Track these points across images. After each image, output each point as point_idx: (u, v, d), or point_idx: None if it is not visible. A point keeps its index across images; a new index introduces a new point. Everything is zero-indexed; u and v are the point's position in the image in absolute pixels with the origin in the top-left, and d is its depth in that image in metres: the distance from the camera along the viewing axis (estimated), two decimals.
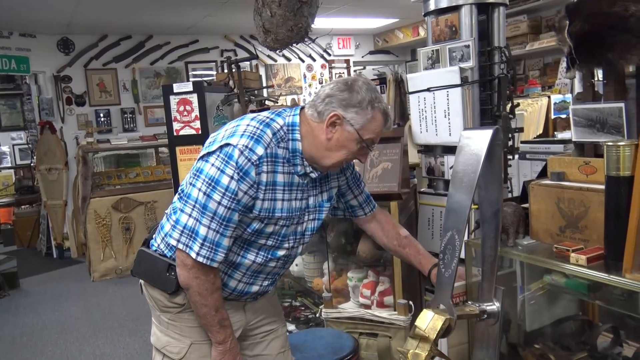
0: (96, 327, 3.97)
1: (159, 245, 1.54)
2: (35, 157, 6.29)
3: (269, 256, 1.51)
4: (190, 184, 1.40)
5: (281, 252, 1.53)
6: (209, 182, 1.35)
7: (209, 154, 1.38)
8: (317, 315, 2.30)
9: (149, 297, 1.58)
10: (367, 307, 2.21)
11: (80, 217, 5.43)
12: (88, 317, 4.18)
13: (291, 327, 2.88)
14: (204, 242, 1.36)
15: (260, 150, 1.36)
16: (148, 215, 5.37)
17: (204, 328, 1.50)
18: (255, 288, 1.57)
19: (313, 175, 1.50)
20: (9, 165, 7.86)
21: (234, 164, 1.33)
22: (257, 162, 1.36)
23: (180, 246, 1.39)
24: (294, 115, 1.47)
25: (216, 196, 1.34)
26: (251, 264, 1.51)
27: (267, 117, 1.45)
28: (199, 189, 1.36)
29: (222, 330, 1.47)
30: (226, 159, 1.34)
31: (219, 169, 1.34)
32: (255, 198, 1.39)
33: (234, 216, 1.37)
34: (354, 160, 1.63)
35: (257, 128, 1.39)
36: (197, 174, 1.38)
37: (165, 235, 1.51)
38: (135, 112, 6.97)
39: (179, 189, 1.52)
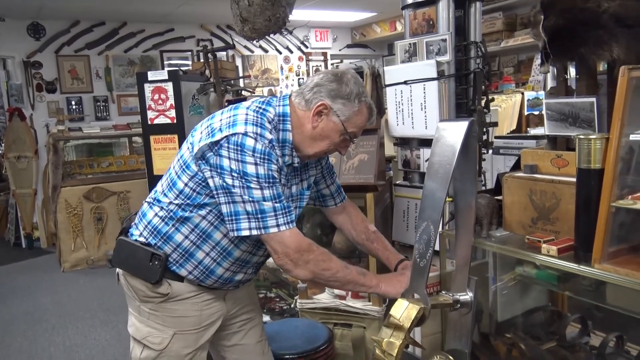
0: (66, 318, 3.90)
1: (141, 233, 1.52)
2: (3, 145, 6.12)
3: (258, 245, 1.51)
4: (216, 177, 1.38)
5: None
6: (239, 176, 1.34)
7: (217, 145, 1.36)
8: (292, 306, 2.31)
9: (128, 288, 1.56)
10: (342, 297, 2.23)
11: (50, 206, 5.31)
12: (58, 308, 4.10)
13: (266, 318, 2.88)
14: (278, 213, 1.37)
15: (268, 135, 1.38)
16: (121, 205, 5.29)
17: (355, 291, 1.58)
18: (239, 276, 1.57)
19: (295, 164, 1.51)
20: None
21: (251, 152, 1.34)
22: (270, 145, 1.37)
23: (263, 232, 1.37)
24: (283, 105, 1.48)
25: (256, 185, 1.34)
26: (242, 253, 1.51)
27: (259, 107, 1.45)
28: (233, 178, 1.35)
29: (367, 277, 1.48)
30: (240, 149, 1.34)
31: (237, 160, 1.34)
32: (280, 180, 1.43)
33: (279, 189, 1.39)
34: None
35: (256, 117, 1.40)
36: (220, 171, 1.36)
37: (149, 223, 1.50)
38: (109, 100, 6.83)
39: (168, 178, 1.50)
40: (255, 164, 1.34)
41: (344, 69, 1.70)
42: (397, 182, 2.42)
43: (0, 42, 6.04)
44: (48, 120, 6.36)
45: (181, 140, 3.58)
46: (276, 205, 1.36)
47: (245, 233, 1.37)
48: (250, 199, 1.34)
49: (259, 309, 1.82)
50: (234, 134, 1.35)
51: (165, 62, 7.18)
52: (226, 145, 1.34)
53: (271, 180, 1.36)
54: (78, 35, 6.54)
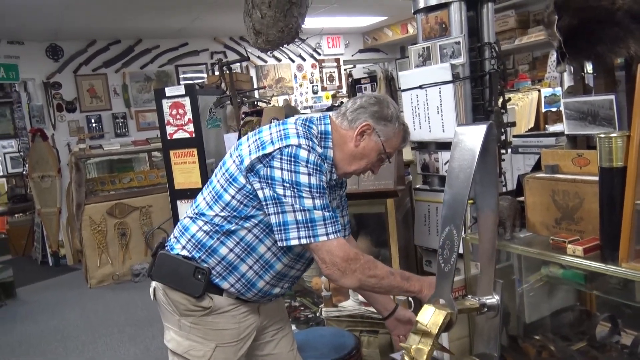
0: (95, 334, 3.96)
1: (183, 246, 1.55)
2: (27, 165, 6.25)
3: (297, 258, 1.56)
4: (266, 188, 1.42)
5: (307, 254, 1.56)
6: (290, 185, 1.38)
7: (268, 157, 1.40)
8: (317, 314, 2.32)
9: (169, 302, 1.58)
10: (367, 304, 2.23)
11: (75, 224, 5.41)
12: (87, 324, 4.17)
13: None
14: (326, 222, 1.39)
15: (318, 149, 1.46)
16: (143, 220, 5.36)
17: (399, 295, 1.60)
18: (276, 290, 1.60)
19: (333, 181, 1.57)
20: (1, 174, 7.81)
21: (304, 162, 1.39)
22: (322, 157, 1.44)
23: (326, 238, 1.40)
24: (325, 124, 1.54)
25: (307, 194, 1.38)
26: (282, 267, 1.55)
27: (305, 124, 1.50)
28: (284, 189, 1.39)
29: (411, 282, 1.48)
30: (294, 160, 1.39)
31: (291, 171, 1.38)
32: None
33: (327, 200, 1.42)
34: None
35: (305, 131, 1.46)
36: (270, 182, 1.40)
37: (192, 237, 1.53)
38: (127, 116, 6.94)
39: (213, 191, 1.54)
40: (308, 174, 1.38)
41: (382, 94, 1.76)
42: (417, 187, 2.42)
43: (20, 65, 6.19)
44: (69, 139, 6.48)
45: (200, 154, 3.63)
46: (325, 214, 1.39)
47: (294, 242, 1.40)
48: (302, 207, 1.38)
49: (288, 319, 1.85)
50: (288, 146, 1.40)
51: (181, 76, 7.27)
52: (279, 156, 1.39)
53: (322, 191, 1.40)
54: (95, 54, 6.67)
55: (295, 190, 1.37)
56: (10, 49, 6.16)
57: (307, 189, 1.38)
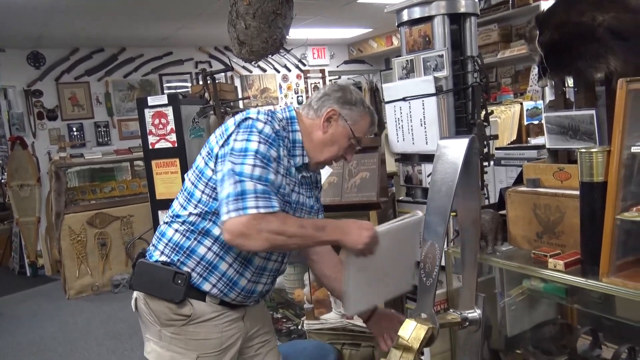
0: (73, 347, 3.87)
1: (162, 252, 1.53)
2: (6, 174, 6.14)
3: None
4: (221, 164, 1.42)
5: None
6: (238, 154, 1.38)
7: (229, 137, 1.42)
8: (300, 327, 2.29)
9: (150, 312, 1.55)
10: (349, 317, 2.21)
11: (54, 233, 5.31)
12: (65, 337, 4.08)
13: None
14: (257, 196, 1.34)
15: (276, 126, 1.45)
16: (124, 230, 5.28)
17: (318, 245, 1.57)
18: (260, 287, 1.58)
19: (305, 173, 1.57)
20: None
21: (257, 132, 1.40)
22: (279, 135, 1.44)
23: (235, 214, 1.32)
24: (289, 111, 1.56)
25: (249, 161, 1.36)
26: (261, 260, 1.54)
27: (267, 112, 1.51)
28: (231, 162, 1.37)
29: (327, 231, 1.42)
30: (248, 129, 1.40)
31: (244, 139, 1.39)
32: (278, 171, 1.42)
33: (269, 175, 1.38)
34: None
35: (267, 114, 1.48)
36: (224, 155, 1.40)
37: (169, 241, 1.51)
38: (109, 125, 6.87)
39: (185, 192, 1.53)
40: (259, 142, 1.39)
41: (345, 83, 1.78)
42: (400, 198, 2.42)
43: (1, 72, 6.10)
44: (50, 148, 6.39)
45: (182, 164, 3.59)
46: (258, 186, 1.35)
47: (224, 218, 1.35)
48: (239, 175, 1.36)
49: (273, 330, 1.83)
50: (246, 119, 1.43)
51: (165, 85, 7.23)
52: (237, 131, 1.41)
53: (266, 162, 1.38)
54: (77, 62, 6.60)
55: (241, 157, 1.36)
56: None
57: (253, 154, 1.37)
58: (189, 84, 7.13)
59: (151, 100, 3.60)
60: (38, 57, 6.42)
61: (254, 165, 1.36)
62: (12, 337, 4.18)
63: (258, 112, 1.46)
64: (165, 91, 7.10)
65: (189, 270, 1.49)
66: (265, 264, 1.56)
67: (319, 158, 1.56)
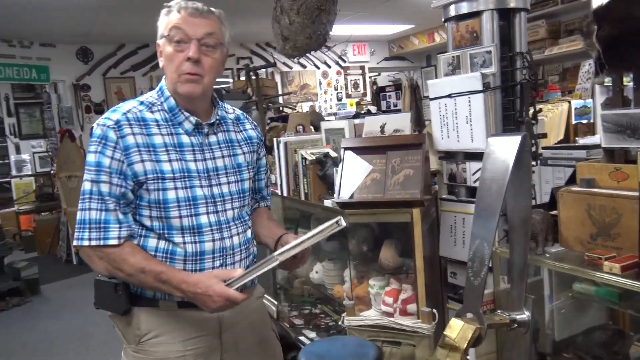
0: (115, 334, 3.97)
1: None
2: (55, 165, 6.37)
3: (195, 230, 1.42)
4: None
5: (204, 220, 1.42)
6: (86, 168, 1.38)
7: None
8: (340, 322, 2.29)
9: (116, 328, 1.52)
10: (390, 315, 2.19)
11: None
12: (108, 324, 4.16)
13: (312, 334, 2.87)
14: (90, 226, 1.33)
15: (115, 116, 1.38)
16: None
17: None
18: (208, 264, 1.43)
19: (199, 136, 1.47)
20: (30, 173, 7.97)
21: (95, 138, 1.36)
22: (115, 126, 1.36)
23: (76, 242, 1.35)
24: (162, 80, 1.49)
25: (87, 176, 1.35)
26: (190, 246, 1.41)
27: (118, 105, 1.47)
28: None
29: (168, 286, 1.33)
30: (90, 139, 1.38)
31: (89, 152, 1.37)
32: (130, 163, 1.35)
33: (104, 188, 1.34)
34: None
35: (120, 104, 1.44)
36: None
37: None
38: None
39: None
40: (95, 151, 1.36)
41: None
42: (443, 197, 2.38)
43: (51, 67, 6.32)
44: None
45: None
46: (93, 217, 1.34)
47: (74, 243, 1.38)
48: (82, 195, 1.36)
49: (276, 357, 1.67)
50: (91, 128, 1.41)
51: None
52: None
53: (101, 170, 1.34)
54: (124, 57, 6.79)
55: (85, 173, 1.36)
56: (42, 51, 6.30)
57: (92, 167, 1.34)
58: (231, 80, 7.22)
59: None
60: (86, 52, 6.63)
61: (92, 181, 1.34)
62: (59, 322, 4.34)
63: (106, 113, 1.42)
64: None
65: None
66: (200, 248, 1.42)
67: (179, 89, 1.40)
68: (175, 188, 1.39)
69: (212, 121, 1.49)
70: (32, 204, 7.52)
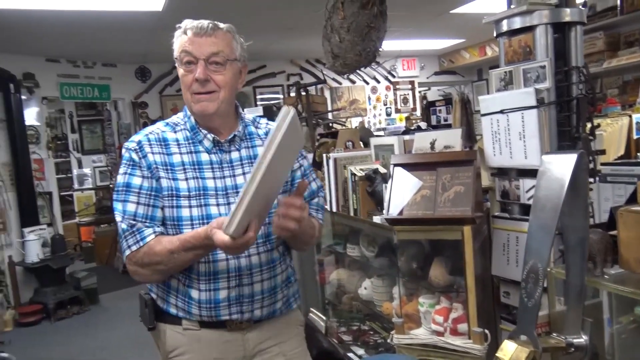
0: None
1: None
2: (113, 179, 6.64)
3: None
4: None
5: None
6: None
7: None
8: (388, 340, 2.27)
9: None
10: (440, 334, 2.16)
11: None
12: None
13: (360, 351, 2.86)
14: (126, 235, 1.39)
15: (137, 137, 1.47)
16: None
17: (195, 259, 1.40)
18: (222, 294, 1.43)
19: (220, 153, 1.48)
20: (90, 186, 8.36)
21: (124, 161, 1.44)
22: (136, 147, 1.44)
23: (124, 258, 1.44)
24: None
25: (117, 196, 1.43)
26: (203, 265, 1.42)
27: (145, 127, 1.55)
28: None
29: (193, 250, 1.34)
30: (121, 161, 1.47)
31: (119, 173, 1.46)
32: (157, 178, 1.42)
33: (131, 208, 1.40)
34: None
35: (147, 127, 1.53)
36: None
37: None
38: None
39: None
40: (124, 173, 1.43)
41: None
42: (495, 214, 2.33)
43: (112, 86, 6.64)
44: None
45: None
46: (123, 226, 1.40)
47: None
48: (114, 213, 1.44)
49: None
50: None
51: (258, 97, 7.51)
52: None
53: (128, 189, 1.41)
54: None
55: (114, 193, 1.43)
56: (104, 71, 6.63)
57: (120, 188, 1.41)
58: (281, 96, 7.35)
59: (248, 112, 3.76)
60: (144, 71, 6.92)
61: (122, 201, 1.41)
62: (115, 331, 4.50)
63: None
64: (258, 103, 7.36)
65: (155, 295, 1.49)
66: (213, 268, 1.42)
67: (190, 107, 1.46)
68: (190, 206, 1.41)
69: (229, 137, 1.49)
70: (92, 216, 7.87)
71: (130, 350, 4.05)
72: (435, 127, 5.26)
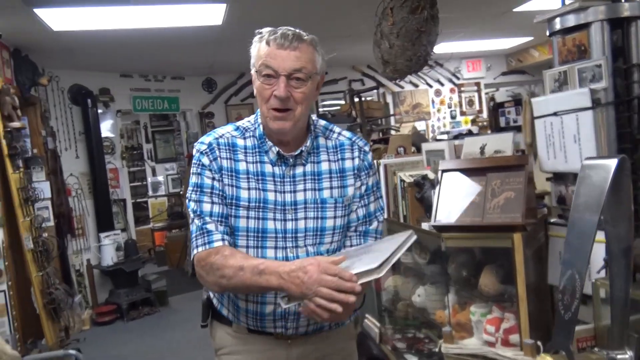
0: None
1: None
2: (184, 186, 6.95)
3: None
4: None
5: (269, 254, 1.39)
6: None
7: None
8: (437, 349, 2.23)
9: None
10: (492, 344, 2.09)
11: None
12: None
13: (413, 359, 2.82)
14: (196, 235, 1.39)
15: (207, 139, 1.44)
16: None
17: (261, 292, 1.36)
18: (268, 309, 1.41)
19: (284, 166, 1.43)
20: (164, 193, 8.78)
21: (194, 161, 1.43)
22: (207, 150, 1.42)
23: (192, 257, 1.42)
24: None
25: (190, 195, 1.42)
26: None
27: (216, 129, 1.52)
28: None
29: (266, 277, 1.25)
30: (193, 161, 1.45)
31: (192, 173, 1.44)
32: (223, 182, 1.40)
33: (206, 208, 1.38)
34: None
35: (207, 135, 1.49)
36: None
37: None
38: None
39: None
40: (194, 173, 1.42)
41: None
42: (552, 221, 2.23)
43: (180, 97, 6.95)
44: None
45: None
46: (197, 224, 1.39)
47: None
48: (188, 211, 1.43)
49: None
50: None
51: (320, 104, 7.57)
52: None
53: (201, 189, 1.40)
54: (243, 86, 7.25)
55: (188, 192, 1.43)
56: (173, 84, 6.96)
57: (193, 188, 1.41)
58: (343, 102, 7.39)
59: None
60: (211, 82, 7.19)
61: (196, 201, 1.40)
62: (184, 332, 4.69)
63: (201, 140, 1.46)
64: (321, 109, 7.44)
65: (212, 295, 1.53)
66: None
67: (266, 122, 1.40)
68: (247, 217, 1.38)
69: (296, 153, 1.43)
70: (165, 221, 8.26)
71: (195, 351, 4.20)
72: (503, 130, 5.08)
